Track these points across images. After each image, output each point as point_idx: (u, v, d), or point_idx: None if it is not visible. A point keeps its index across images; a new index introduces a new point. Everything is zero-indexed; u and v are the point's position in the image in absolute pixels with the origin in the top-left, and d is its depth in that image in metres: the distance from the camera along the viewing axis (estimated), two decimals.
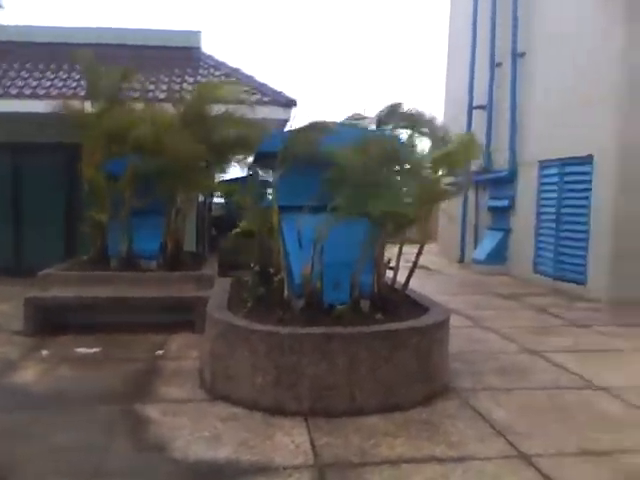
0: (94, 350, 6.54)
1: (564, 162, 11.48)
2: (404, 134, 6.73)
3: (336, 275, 5.55)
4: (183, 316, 7.41)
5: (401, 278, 6.17)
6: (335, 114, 7.08)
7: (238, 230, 6.99)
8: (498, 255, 13.65)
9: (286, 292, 5.67)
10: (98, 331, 7.16)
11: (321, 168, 5.44)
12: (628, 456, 4.03)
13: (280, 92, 11.24)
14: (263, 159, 6.64)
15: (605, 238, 10.14)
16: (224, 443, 4.14)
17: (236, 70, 12.09)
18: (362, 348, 4.77)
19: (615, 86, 10.03)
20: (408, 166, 6.03)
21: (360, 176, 5.40)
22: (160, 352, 6.49)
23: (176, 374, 5.73)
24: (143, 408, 4.79)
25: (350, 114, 7.04)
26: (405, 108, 6.52)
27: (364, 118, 6.68)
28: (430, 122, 6.47)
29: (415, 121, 6.54)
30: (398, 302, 5.86)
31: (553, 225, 11.81)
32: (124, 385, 5.42)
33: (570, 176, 11.35)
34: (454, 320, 5.83)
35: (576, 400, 5.15)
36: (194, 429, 4.40)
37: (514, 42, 13.42)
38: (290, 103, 10.97)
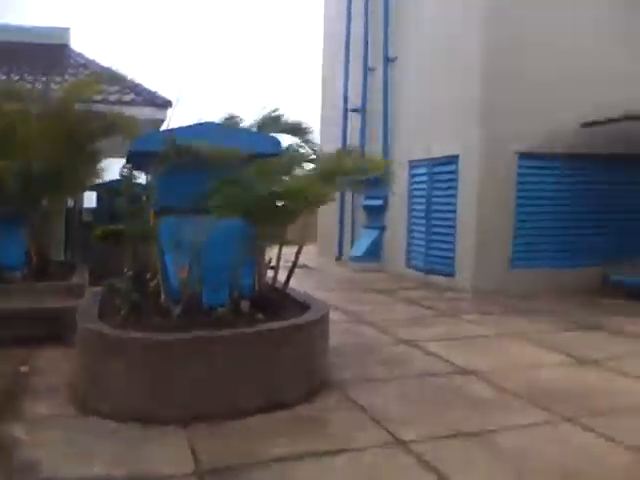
0: None
1: (432, 162, 12.10)
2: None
3: (215, 277, 5.47)
4: (50, 328, 6.96)
5: (282, 278, 6.20)
6: (212, 114, 6.94)
7: (99, 233, 6.69)
8: (374, 252, 14.13)
9: (163, 297, 5.51)
10: None
11: (200, 170, 5.34)
12: (495, 435, 4.30)
13: (155, 92, 10.92)
14: (137, 159, 6.39)
15: (469, 233, 10.81)
16: (97, 459, 3.93)
17: (108, 69, 11.54)
18: (242, 349, 4.74)
19: (478, 90, 10.70)
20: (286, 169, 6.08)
21: (239, 178, 5.37)
22: (25, 368, 6.05)
23: (44, 390, 5.36)
24: (8, 427, 4.45)
25: (226, 115, 7.00)
26: (284, 114, 6.67)
27: (234, 117, 6.68)
28: (306, 131, 6.64)
29: (294, 129, 6.68)
30: (279, 301, 5.88)
31: (423, 222, 12.42)
32: None
33: (438, 175, 11.99)
34: (333, 316, 5.94)
35: (448, 385, 5.44)
36: (65, 446, 4.14)
37: (386, 47, 13.94)
38: (165, 103, 10.69)
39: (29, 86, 10.45)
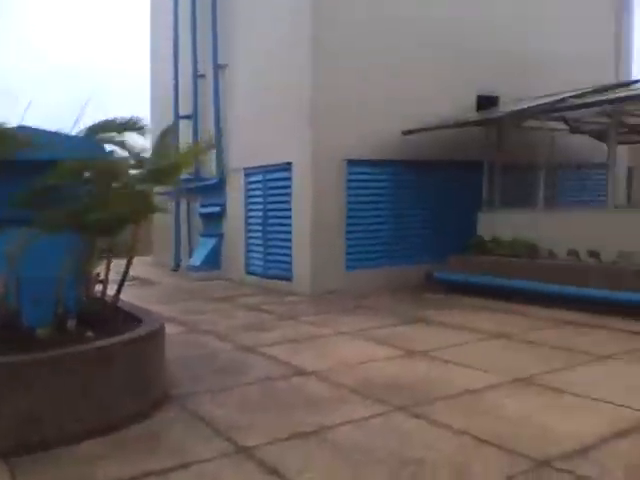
0: None
1: (266, 169, 12.25)
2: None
3: (36, 292, 5.03)
4: None
5: (112, 292, 5.88)
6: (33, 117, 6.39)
7: None
8: (213, 260, 13.97)
9: None
10: None
11: (24, 178, 4.90)
12: (334, 431, 4.42)
13: None
14: None
15: (305, 237, 11.09)
16: None
17: None
18: (68, 371, 4.41)
19: (307, 100, 11.00)
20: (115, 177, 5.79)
21: (67, 188, 5.02)
22: None
23: None
24: None
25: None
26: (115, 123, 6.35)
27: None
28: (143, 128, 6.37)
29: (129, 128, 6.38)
30: (109, 316, 5.57)
31: (261, 228, 12.52)
32: None
33: (273, 182, 12.16)
34: (170, 328, 5.77)
35: (288, 387, 5.50)
36: None
37: (215, 55, 13.84)
38: None
39: None
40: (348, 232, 11.32)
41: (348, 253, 11.31)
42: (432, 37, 11.87)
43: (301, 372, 5.96)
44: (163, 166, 5.82)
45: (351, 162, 11.27)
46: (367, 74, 11.27)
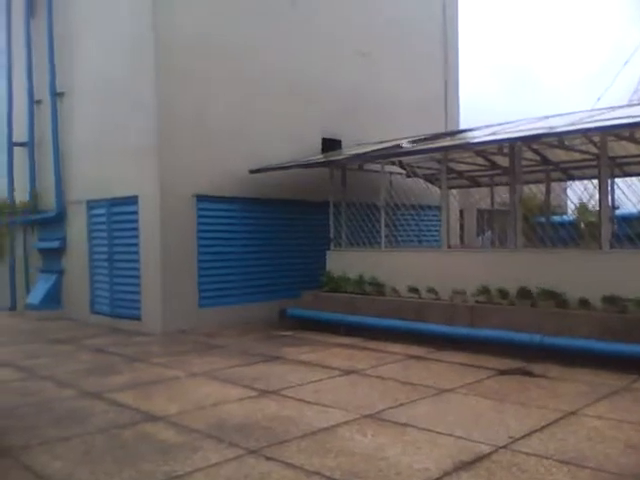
0: None
1: (112, 202, 11.78)
2: None
3: None
4: None
5: None
6: None
7: None
8: (53, 298, 13.06)
9: None
10: None
11: None
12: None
13: None
14: None
15: (154, 274, 10.74)
16: None
17: None
18: None
19: (152, 132, 10.76)
20: None
21: None
22: None
23: None
24: None
25: None
26: None
27: None
28: None
29: None
30: None
31: (106, 264, 11.93)
32: None
33: (118, 216, 11.71)
34: (3, 374, 5.26)
35: (136, 435, 5.22)
36: None
37: (52, 82, 13.16)
38: None
39: None
40: (200, 269, 11.16)
41: (200, 290, 11.12)
42: (279, 73, 12.25)
43: (151, 418, 5.69)
44: None
45: (200, 197, 11.19)
46: (210, 106, 11.30)
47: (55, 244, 13.15)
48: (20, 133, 14.20)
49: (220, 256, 11.47)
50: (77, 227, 12.74)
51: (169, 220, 10.77)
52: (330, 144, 13.11)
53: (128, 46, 11.34)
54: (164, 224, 10.72)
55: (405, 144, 10.75)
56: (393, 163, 12.19)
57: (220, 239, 11.53)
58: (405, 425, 5.38)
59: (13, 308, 14.29)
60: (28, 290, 13.89)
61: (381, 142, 12.02)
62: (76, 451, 4.84)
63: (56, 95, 13.15)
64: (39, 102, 13.78)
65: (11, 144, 14.38)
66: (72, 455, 4.75)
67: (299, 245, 12.45)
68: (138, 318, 11.02)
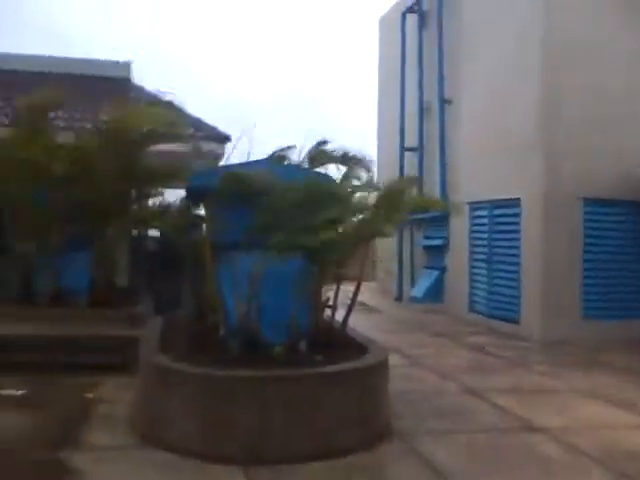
0: (20, 392, 6.09)
1: (493, 204, 11.82)
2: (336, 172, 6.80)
3: (273, 314, 5.38)
4: (114, 356, 7.02)
5: (340, 316, 6.07)
6: (265, 146, 7.01)
7: None
8: (435, 293, 13.79)
9: (222, 331, 5.46)
10: (24, 372, 6.65)
11: (256, 205, 5.35)
12: None
13: (214, 127, 11.13)
14: (194, 194, 6.47)
15: (535, 279, 10.39)
16: None
17: (169, 103, 11.86)
18: (299, 391, 4.62)
19: (540, 133, 10.42)
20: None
21: (297, 214, 5.33)
22: (90, 395, 6.10)
23: (107, 418, 5.39)
24: (71, 456, 4.44)
25: (278, 149, 6.99)
26: (336, 147, 6.62)
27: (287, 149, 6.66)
28: (363, 161, 6.54)
29: (348, 160, 6.61)
30: (336, 342, 5.74)
31: (485, 265, 12.07)
32: (52, 431, 5.05)
33: (499, 218, 11.69)
34: (391, 359, 5.74)
35: (515, 442, 5.13)
36: (126, 478, 4.10)
37: (441, 89, 13.84)
38: (224, 139, 10.88)
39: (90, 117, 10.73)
40: (585, 278, 10.39)
41: (584, 301, 10.36)
42: None
43: (530, 427, 5.51)
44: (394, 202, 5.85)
45: (588, 201, 10.39)
46: (601, 106, 10.35)
47: (439, 242, 13.89)
48: (410, 139, 15.40)
49: (607, 265, 10.50)
50: (459, 227, 13.20)
51: (552, 224, 10.30)
52: None
53: (511, 54, 11.28)
54: (547, 227, 10.31)
55: None
56: None
57: (608, 246, 10.55)
58: None
59: (399, 299, 15.63)
60: (413, 284, 15.02)
61: None
62: (458, 445, 5.00)
63: (444, 102, 13.84)
64: (428, 110, 14.73)
65: (402, 149, 15.70)
66: (454, 448, 4.91)
67: None
68: (516, 322, 10.86)
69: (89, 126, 9.82)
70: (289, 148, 6.93)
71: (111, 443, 4.81)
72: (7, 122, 9.51)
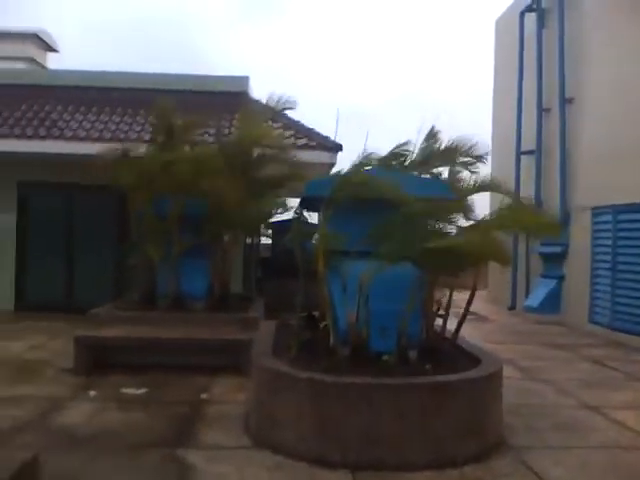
0: (140, 391, 6.53)
1: (618, 209, 11.13)
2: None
3: (383, 322, 5.41)
4: (228, 358, 7.36)
5: (450, 326, 5.98)
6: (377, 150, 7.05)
7: None
8: (551, 303, 13.19)
9: (332, 339, 5.55)
10: (144, 372, 7.16)
11: (368, 213, 5.41)
12: None
13: (327, 137, 11.38)
14: (309, 202, 6.65)
15: None
16: None
17: (283, 115, 12.27)
18: (411, 400, 4.61)
19: None
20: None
21: (414, 223, 5.34)
22: (205, 395, 6.43)
23: (220, 418, 5.64)
24: (187, 453, 4.71)
25: (393, 148, 6.98)
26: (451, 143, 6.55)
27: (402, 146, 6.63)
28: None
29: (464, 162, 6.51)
30: (448, 351, 5.68)
31: (609, 274, 11.37)
32: (169, 429, 5.36)
33: (625, 224, 10.97)
34: (505, 371, 5.58)
35: (637, 461, 4.82)
36: (238, 478, 4.28)
37: (562, 89, 13.24)
38: (336, 148, 11.09)
39: (212, 131, 11.26)
40: None
41: None
42: None
43: None
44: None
45: None
46: None
47: (557, 249, 13.27)
48: (527, 142, 14.86)
49: None
50: (580, 234, 12.56)
51: None
52: None
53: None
54: None
55: None
56: None
57: None
58: None
59: (512, 308, 15.09)
60: (527, 292, 14.45)
61: None
62: (575, 462, 4.77)
63: (565, 102, 13.24)
64: (547, 110, 14.15)
65: (519, 152, 15.18)
66: (571, 465, 4.70)
67: None
68: None
69: (211, 140, 10.40)
70: (405, 144, 6.91)
71: (224, 443, 5.02)
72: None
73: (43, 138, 11.11)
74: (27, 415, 5.62)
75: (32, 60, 15.45)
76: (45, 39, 16.02)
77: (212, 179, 7.93)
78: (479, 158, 6.74)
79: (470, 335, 6.57)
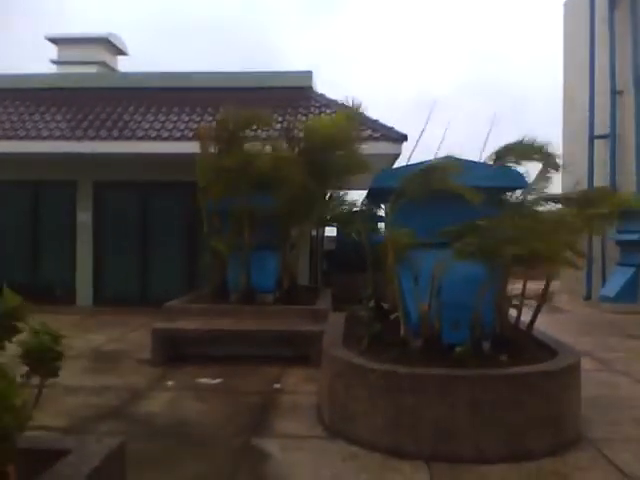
0: (216, 381, 6.72)
1: None
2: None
3: (455, 314, 5.36)
4: (299, 350, 7.47)
5: (525, 317, 5.86)
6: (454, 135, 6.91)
7: None
8: (629, 292, 12.71)
9: (403, 330, 5.54)
10: (218, 363, 7.36)
11: (439, 205, 5.35)
12: None
13: (391, 128, 11.31)
14: (376, 194, 6.63)
15: None
16: None
17: (347, 108, 12.23)
18: (486, 392, 4.54)
19: None
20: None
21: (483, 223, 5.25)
22: (277, 385, 6.55)
23: (294, 408, 5.74)
24: (263, 442, 4.82)
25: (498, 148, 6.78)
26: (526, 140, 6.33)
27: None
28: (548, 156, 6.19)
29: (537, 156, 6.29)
30: (522, 343, 5.56)
31: None
32: (244, 418, 5.50)
33: None
34: (582, 363, 5.42)
35: None
36: (314, 467, 4.36)
37: (636, 72, 12.65)
38: (401, 138, 11.00)
39: (278, 126, 11.34)
40: None
41: None
42: None
43: None
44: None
45: None
46: None
47: (634, 237, 12.76)
48: (600, 125, 14.32)
49: None
50: None
51: None
52: None
53: None
54: None
55: None
56: None
57: None
58: None
59: (588, 298, 14.61)
60: (603, 282, 13.95)
61: None
62: None
63: (639, 85, 12.67)
64: (620, 93, 13.58)
65: (592, 136, 14.64)
66: None
67: None
68: None
69: (279, 135, 10.51)
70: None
71: (297, 432, 5.11)
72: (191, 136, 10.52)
73: (116, 139, 11.54)
74: (109, 404, 5.89)
75: (103, 64, 16.02)
76: (115, 43, 16.57)
77: (289, 170, 8.03)
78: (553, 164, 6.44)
79: (544, 326, 6.40)
